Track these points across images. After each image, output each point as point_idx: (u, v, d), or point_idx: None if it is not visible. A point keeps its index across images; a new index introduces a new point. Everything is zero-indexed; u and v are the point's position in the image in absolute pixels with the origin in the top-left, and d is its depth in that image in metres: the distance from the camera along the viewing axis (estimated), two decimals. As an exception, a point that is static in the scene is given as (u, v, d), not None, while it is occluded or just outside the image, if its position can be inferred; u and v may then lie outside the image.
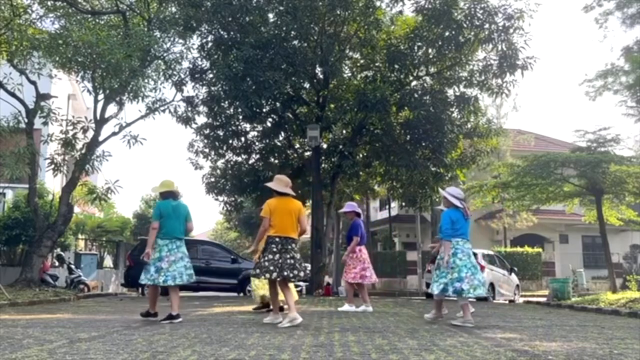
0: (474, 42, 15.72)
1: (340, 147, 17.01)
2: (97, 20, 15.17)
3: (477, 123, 17.43)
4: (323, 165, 18.05)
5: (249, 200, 20.75)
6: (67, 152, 14.83)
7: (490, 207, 23.97)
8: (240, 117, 16.96)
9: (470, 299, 7.52)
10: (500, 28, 15.21)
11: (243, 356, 4.07)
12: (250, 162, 18.75)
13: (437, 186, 17.74)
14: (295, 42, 16.23)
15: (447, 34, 15.45)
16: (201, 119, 17.86)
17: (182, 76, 16.47)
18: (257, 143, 18.73)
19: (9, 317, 7.43)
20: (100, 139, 14.80)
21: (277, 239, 6.63)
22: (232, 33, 16.08)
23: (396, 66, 16.37)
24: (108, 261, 24.24)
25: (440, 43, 15.79)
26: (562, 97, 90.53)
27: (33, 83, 14.10)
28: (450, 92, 17.02)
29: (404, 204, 24.23)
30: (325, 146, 18.15)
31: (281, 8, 15.55)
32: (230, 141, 18.11)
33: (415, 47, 16.27)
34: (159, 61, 15.38)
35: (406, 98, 16.10)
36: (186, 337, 5.26)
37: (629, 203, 17.74)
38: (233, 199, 19.32)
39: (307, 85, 17.68)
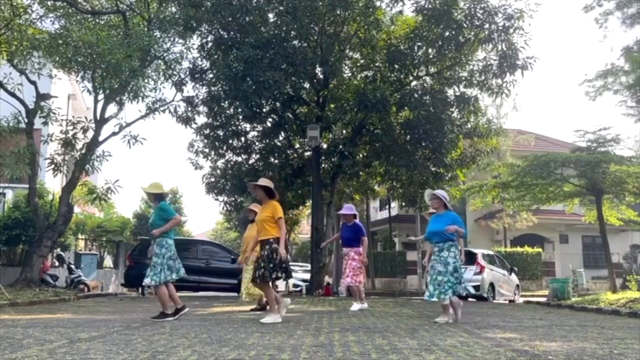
0: (474, 42, 15.72)
1: (340, 147, 17.01)
2: (97, 20, 15.18)
3: (477, 123, 17.43)
4: (323, 165, 18.04)
5: (249, 200, 20.72)
6: (67, 152, 14.84)
7: (490, 207, 23.96)
8: (240, 117, 16.96)
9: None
10: (500, 28, 15.20)
11: (243, 356, 4.07)
12: (250, 162, 18.74)
13: (437, 186, 17.76)
14: (295, 42, 16.23)
15: (447, 34, 15.45)
16: (201, 119, 17.88)
17: (182, 76, 16.49)
18: (257, 143, 18.73)
19: (9, 317, 7.43)
20: (100, 139, 14.82)
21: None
22: (232, 33, 16.08)
23: (396, 66, 16.38)
24: (108, 261, 24.24)
25: (440, 43, 15.79)
26: (562, 97, 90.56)
27: (33, 83, 14.11)
28: (450, 92, 17.02)
29: (404, 204, 24.23)
30: (325, 146, 18.15)
31: (281, 8, 15.55)
32: (230, 141, 18.10)
33: (415, 47, 16.27)
34: (159, 61, 15.38)
35: (406, 98, 16.10)
36: (186, 337, 5.26)
37: (629, 203, 17.74)
38: (233, 199, 19.32)
39: (307, 85, 17.68)
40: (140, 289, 16.39)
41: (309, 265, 19.16)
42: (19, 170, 12.76)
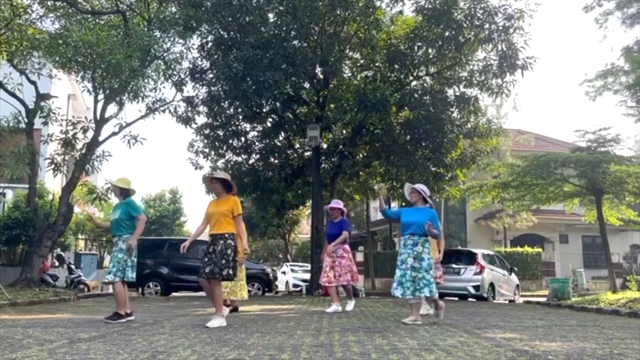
0: (474, 42, 15.72)
1: (340, 147, 17.01)
2: (97, 20, 15.18)
3: (477, 123, 17.43)
4: (323, 165, 18.05)
5: (248, 200, 20.76)
6: (67, 152, 14.84)
7: (490, 207, 23.98)
8: (240, 117, 16.97)
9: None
10: (500, 28, 15.20)
11: (243, 356, 4.07)
12: (250, 162, 18.75)
13: (437, 186, 17.76)
14: (295, 42, 16.23)
15: (447, 34, 15.45)
16: (201, 119, 17.89)
17: (182, 76, 16.48)
18: (257, 143, 18.73)
19: (9, 317, 7.44)
20: (100, 139, 14.82)
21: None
22: (232, 33, 16.08)
23: (396, 66, 16.38)
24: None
25: (440, 43, 15.79)
26: (562, 97, 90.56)
27: (33, 83, 14.11)
28: (450, 92, 17.02)
29: (404, 204, 24.15)
30: (325, 146, 18.16)
31: (281, 8, 15.55)
32: (230, 141, 18.11)
33: (415, 47, 16.27)
34: (159, 61, 15.38)
35: (406, 98, 16.10)
36: (186, 337, 5.26)
37: (629, 203, 17.74)
38: (233, 199, 19.30)
39: (307, 85, 17.69)
40: (140, 289, 16.40)
41: (309, 265, 19.17)
42: (19, 170, 12.76)
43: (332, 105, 17.99)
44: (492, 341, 5.21)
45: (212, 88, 16.42)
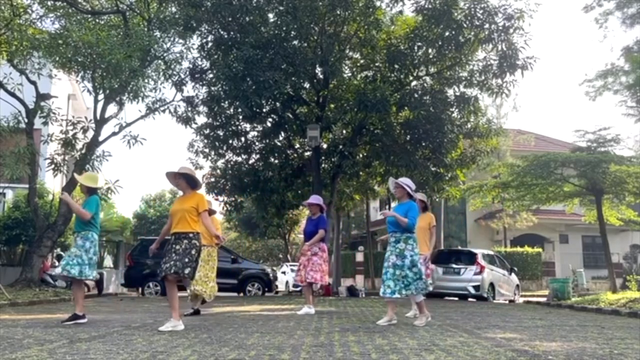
0: (474, 42, 15.72)
1: (340, 147, 17.01)
2: (97, 20, 15.19)
3: (477, 123, 17.43)
4: (323, 165, 18.05)
5: (248, 200, 20.76)
6: (67, 152, 14.84)
7: (490, 207, 23.97)
8: (240, 117, 16.97)
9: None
10: (500, 28, 15.20)
11: (243, 356, 4.07)
12: (250, 162, 18.75)
13: (437, 186, 17.76)
14: (295, 42, 16.23)
15: (447, 34, 15.45)
16: (201, 119, 17.88)
17: (182, 76, 16.48)
18: (257, 143, 18.73)
19: (9, 317, 7.43)
20: (100, 139, 14.82)
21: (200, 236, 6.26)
22: (232, 33, 16.08)
23: (396, 66, 16.38)
24: (108, 261, 24.23)
25: (440, 43, 15.79)
26: (562, 97, 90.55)
27: (33, 83, 14.11)
28: (450, 92, 17.02)
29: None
30: (325, 146, 18.15)
31: (281, 8, 15.55)
32: (230, 141, 18.11)
33: (415, 47, 16.27)
34: (159, 61, 15.39)
35: (406, 98, 16.10)
36: (186, 337, 5.26)
37: (629, 203, 17.73)
38: (233, 199, 19.33)
39: (307, 85, 17.68)
40: (140, 289, 16.39)
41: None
42: (19, 170, 12.76)
43: (332, 105, 17.99)
44: (492, 341, 5.21)
45: (212, 88, 16.42)
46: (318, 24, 16.06)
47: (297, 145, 19.25)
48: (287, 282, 23.95)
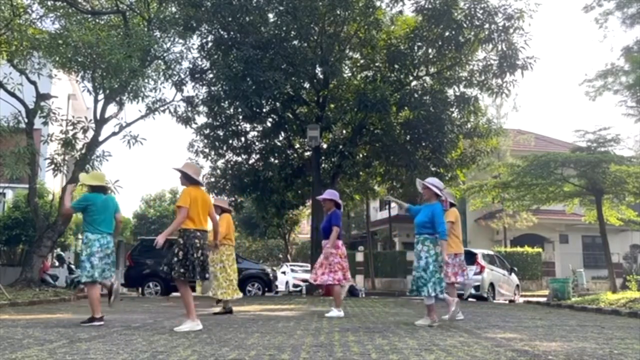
0: (474, 42, 15.73)
1: (340, 147, 17.01)
2: (97, 20, 15.18)
3: (477, 123, 17.44)
4: (323, 165, 18.05)
5: (249, 200, 20.77)
6: (67, 152, 14.83)
7: (490, 207, 23.95)
8: (240, 117, 16.98)
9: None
10: (500, 28, 15.22)
11: (243, 356, 4.07)
12: (250, 162, 18.77)
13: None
14: (295, 42, 16.24)
15: (447, 34, 15.46)
16: (201, 119, 17.89)
17: (182, 76, 16.49)
18: (257, 143, 18.74)
19: (9, 317, 7.43)
20: (100, 139, 14.80)
21: (198, 234, 5.98)
22: (232, 33, 16.09)
23: (396, 66, 16.39)
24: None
25: (440, 43, 15.80)
26: (562, 97, 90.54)
27: (33, 83, 14.10)
28: (450, 92, 17.04)
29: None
30: (325, 146, 18.16)
31: (281, 8, 15.56)
32: (230, 141, 18.12)
33: (415, 47, 16.28)
34: (159, 61, 15.39)
35: (406, 98, 16.11)
36: (186, 337, 5.26)
37: (629, 203, 17.73)
38: (233, 199, 19.34)
39: (307, 85, 17.70)
40: (140, 289, 16.38)
41: (309, 265, 19.17)
42: (19, 170, 12.74)
43: (332, 105, 17.99)
44: (492, 341, 5.21)
45: (212, 88, 16.43)
46: (318, 24, 16.07)
47: (297, 145, 19.26)
48: (287, 282, 23.93)
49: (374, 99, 14.80)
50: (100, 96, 14.49)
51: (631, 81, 15.52)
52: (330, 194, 8.50)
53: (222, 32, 16.28)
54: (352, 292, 17.78)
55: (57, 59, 12.90)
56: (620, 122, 56.03)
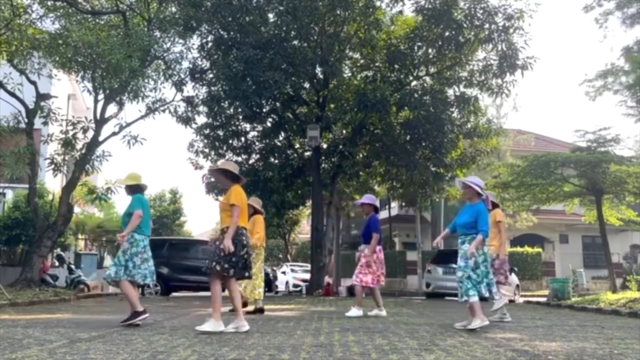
0: (474, 42, 15.74)
1: (340, 147, 17.02)
2: (97, 20, 15.17)
3: (477, 123, 17.45)
4: (323, 165, 18.05)
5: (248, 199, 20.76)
6: (67, 152, 14.82)
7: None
8: (240, 117, 16.97)
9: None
10: (500, 28, 15.22)
11: (243, 356, 4.07)
12: (250, 162, 18.76)
13: (437, 186, 17.75)
14: (295, 42, 16.24)
15: (447, 34, 15.46)
16: (201, 119, 17.88)
17: (182, 76, 16.48)
18: (257, 143, 18.74)
19: (9, 317, 7.43)
20: (100, 139, 14.80)
21: (245, 232, 5.85)
22: (232, 33, 16.09)
23: (396, 66, 16.39)
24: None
25: (440, 43, 15.81)
26: (562, 97, 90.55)
27: (33, 83, 14.10)
28: (450, 92, 17.04)
29: (404, 204, 24.14)
30: (325, 146, 18.16)
31: (281, 8, 15.56)
32: (230, 141, 18.11)
33: (415, 47, 16.29)
34: (159, 61, 15.38)
35: (406, 98, 16.11)
36: (186, 337, 5.26)
37: (629, 203, 17.73)
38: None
39: (307, 85, 17.70)
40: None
41: (309, 266, 19.17)
42: (19, 170, 12.74)
43: (332, 105, 17.99)
44: (492, 341, 5.21)
45: (212, 88, 16.43)
46: (318, 24, 16.07)
47: (297, 145, 19.26)
48: (287, 282, 23.95)
49: (374, 99, 14.80)
50: (100, 96, 14.49)
51: (631, 81, 15.52)
52: (368, 198, 8.49)
53: (222, 32, 16.28)
54: (352, 292, 17.79)
55: (57, 59, 12.89)
56: (620, 122, 56.06)
